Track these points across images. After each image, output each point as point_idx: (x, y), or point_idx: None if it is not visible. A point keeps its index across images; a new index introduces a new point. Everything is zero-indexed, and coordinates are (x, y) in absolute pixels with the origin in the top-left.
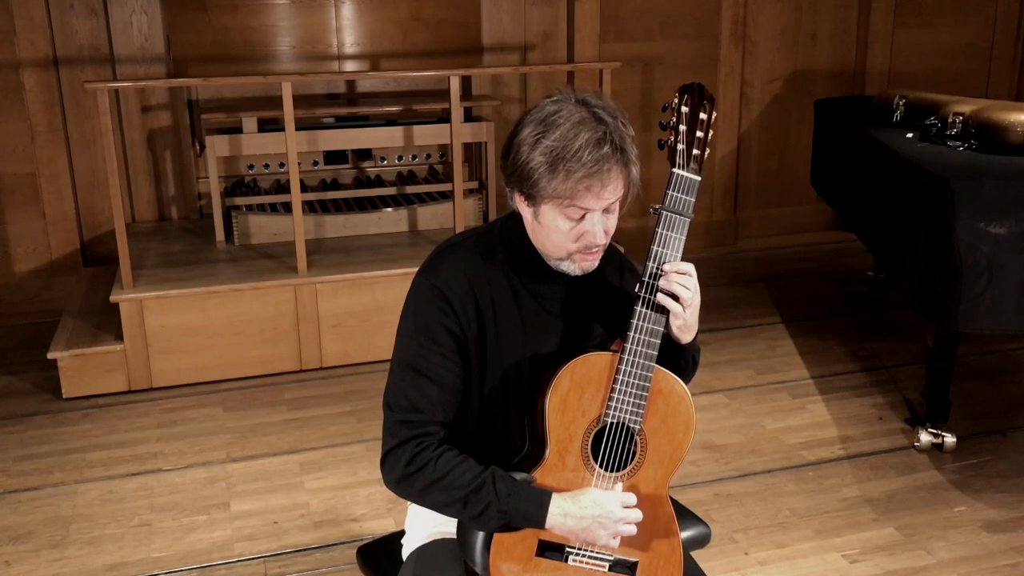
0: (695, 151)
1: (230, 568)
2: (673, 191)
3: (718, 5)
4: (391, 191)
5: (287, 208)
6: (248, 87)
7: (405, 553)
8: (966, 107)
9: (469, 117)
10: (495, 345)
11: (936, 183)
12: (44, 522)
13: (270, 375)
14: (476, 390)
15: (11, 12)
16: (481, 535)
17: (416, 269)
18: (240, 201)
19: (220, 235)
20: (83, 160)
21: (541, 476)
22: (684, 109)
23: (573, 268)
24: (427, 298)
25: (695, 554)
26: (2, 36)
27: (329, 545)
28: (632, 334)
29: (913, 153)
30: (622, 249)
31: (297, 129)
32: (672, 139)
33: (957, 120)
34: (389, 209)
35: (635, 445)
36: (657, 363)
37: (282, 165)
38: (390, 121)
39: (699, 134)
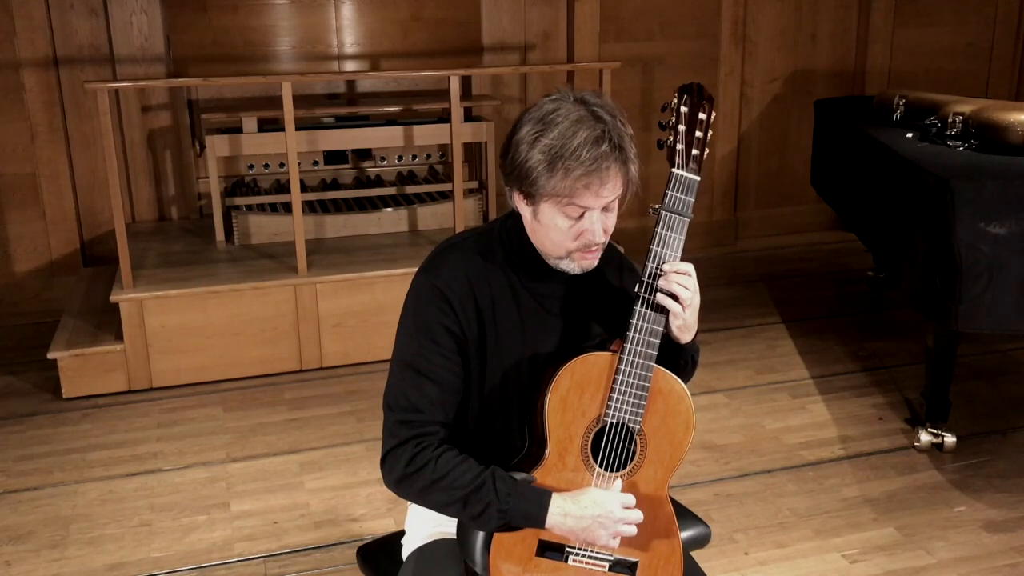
0: (694, 151)
1: (230, 568)
2: (672, 191)
3: (718, 5)
4: (391, 191)
5: (287, 208)
6: (248, 87)
7: (405, 553)
8: (966, 107)
9: (469, 117)
10: (495, 345)
11: (936, 183)
12: (44, 522)
13: (270, 375)
14: (476, 390)
15: (11, 12)
16: (481, 535)
17: (416, 269)
18: (240, 201)
19: (220, 235)
20: (83, 160)
21: (541, 476)
22: (683, 109)
23: (572, 267)
24: (427, 298)
25: (695, 554)
26: (2, 36)
27: (329, 545)
28: (632, 334)
29: (913, 153)
30: (622, 249)
31: (297, 129)
32: (671, 139)
33: (957, 120)
34: (389, 209)
35: (635, 445)
36: (656, 363)
37: (282, 165)
38: (390, 121)
39: (698, 134)
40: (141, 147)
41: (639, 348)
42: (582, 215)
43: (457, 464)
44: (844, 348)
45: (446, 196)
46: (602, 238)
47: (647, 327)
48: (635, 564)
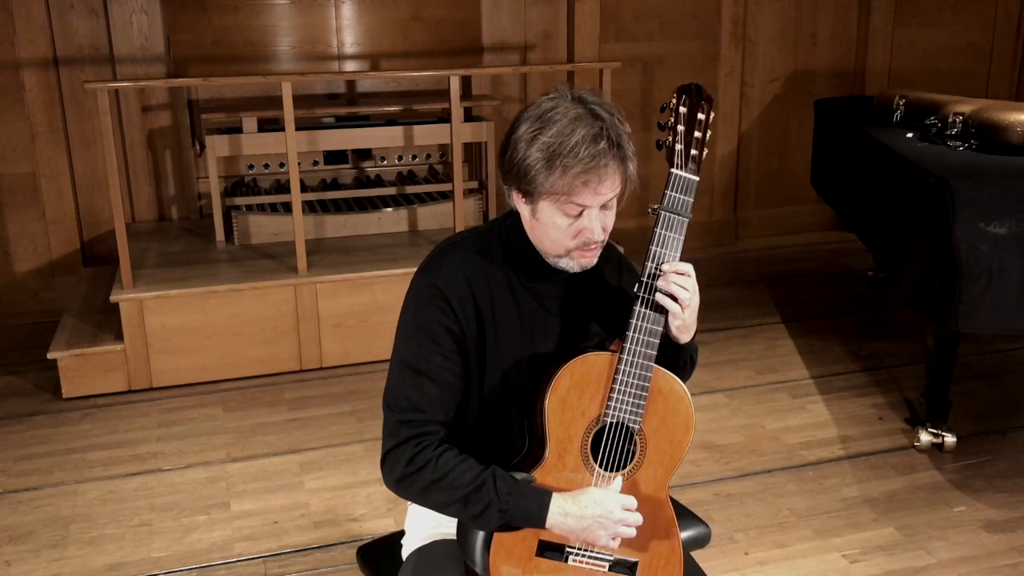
0: (693, 151)
1: (230, 568)
2: (671, 191)
3: (718, 5)
4: (391, 191)
5: (287, 208)
6: (248, 87)
7: (405, 553)
8: (966, 107)
9: (469, 117)
10: (494, 344)
11: (936, 183)
12: (44, 522)
13: (270, 375)
14: (475, 390)
15: (11, 12)
16: (481, 535)
17: (416, 269)
18: (240, 201)
19: (220, 235)
20: (83, 160)
21: (541, 476)
22: (682, 110)
23: (572, 265)
24: (426, 298)
25: (695, 554)
26: (2, 36)
27: (329, 545)
28: (631, 334)
29: (913, 153)
30: (622, 249)
31: (297, 129)
32: (670, 139)
33: (957, 120)
34: (389, 209)
35: (635, 445)
36: (656, 362)
37: (282, 165)
38: (390, 121)
39: (697, 134)
40: (141, 147)
41: (639, 348)
42: (581, 213)
43: (457, 464)
44: (844, 348)
45: (446, 196)
46: (601, 236)
47: (647, 327)
48: (635, 564)
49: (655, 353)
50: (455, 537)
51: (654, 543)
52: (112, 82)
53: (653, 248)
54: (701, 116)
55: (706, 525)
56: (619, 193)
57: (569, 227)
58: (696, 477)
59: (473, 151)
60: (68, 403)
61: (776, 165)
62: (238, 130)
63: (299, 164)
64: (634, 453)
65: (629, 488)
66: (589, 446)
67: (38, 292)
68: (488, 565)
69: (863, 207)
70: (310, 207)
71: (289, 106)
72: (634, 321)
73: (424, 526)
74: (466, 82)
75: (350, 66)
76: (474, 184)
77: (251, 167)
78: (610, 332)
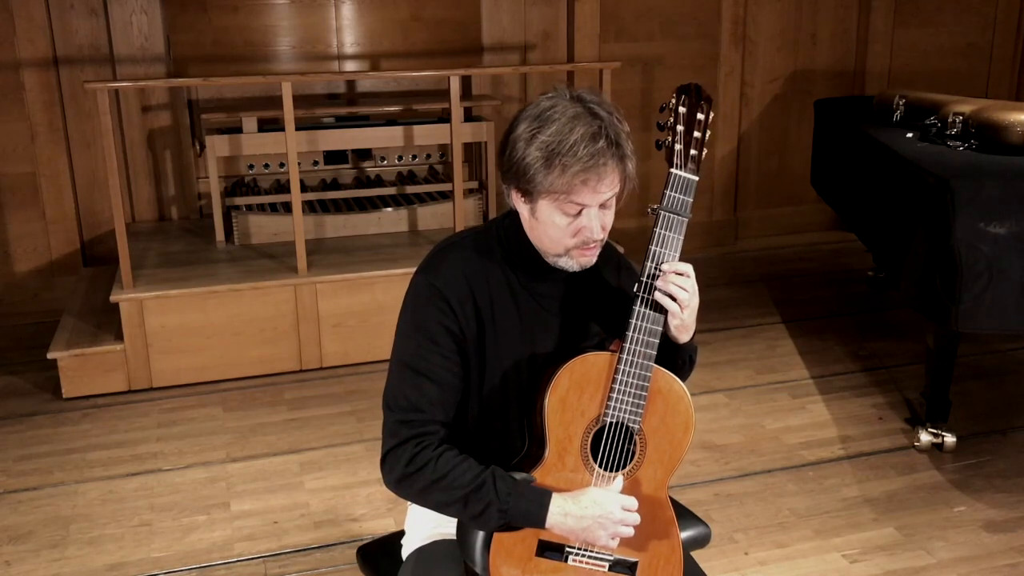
0: (692, 151)
1: (230, 568)
2: (671, 191)
3: (718, 5)
4: (391, 191)
5: (287, 208)
6: (248, 87)
7: (405, 553)
8: (966, 107)
9: (469, 117)
10: (494, 344)
11: (936, 183)
12: (44, 522)
13: (270, 375)
14: (475, 390)
15: (11, 12)
16: (481, 535)
17: (416, 269)
18: (240, 201)
19: (220, 235)
20: (83, 160)
21: (541, 476)
22: (681, 110)
23: (571, 264)
24: (425, 298)
25: (695, 554)
26: (2, 36)
27: (329, 545)
28: (631, 334)
29: (913, 153)
30: (621, 249)
31: (297, 129)
32: (669, 139)
33: (957, 120)
34: (389, 209)
35: (634, 445)
36: (655, 362)
37: (282, 165)
38: (390, 121)
39: (696, 134)
40: (141, 147)
41: (638, 348)
42: (580, 212)
43: (457, 464)
44: (844, 348)
45: (446, 196)
46: (600, 235)
47: (646, 327)
48: (635, 564)
49: (655, 353)
50: (455, 537)
51: (654, 543)
52: (112, 82)
53: (652, 248)
54: (700, 116)
55: (706, 525)
56: (618, 192)
57: (568, 226)
58: (696, 477)
59: (473, 151)
60: (68, 403)
61: (776, 165)
62: (238, 130)
63: (299, 164)
64: (634, 453)
65: (629, 488)
66: (589, 446)
67: (38, 292)
68: (488, 565)
69: (863, 207)
70: (310, 207)
71: (289, 106)
72: (634, 321)
73: (424, 526)
74: (466, 82)
75: (350, 66)
76: (474, 184)
77: (251, 167)
78: (609, 332)
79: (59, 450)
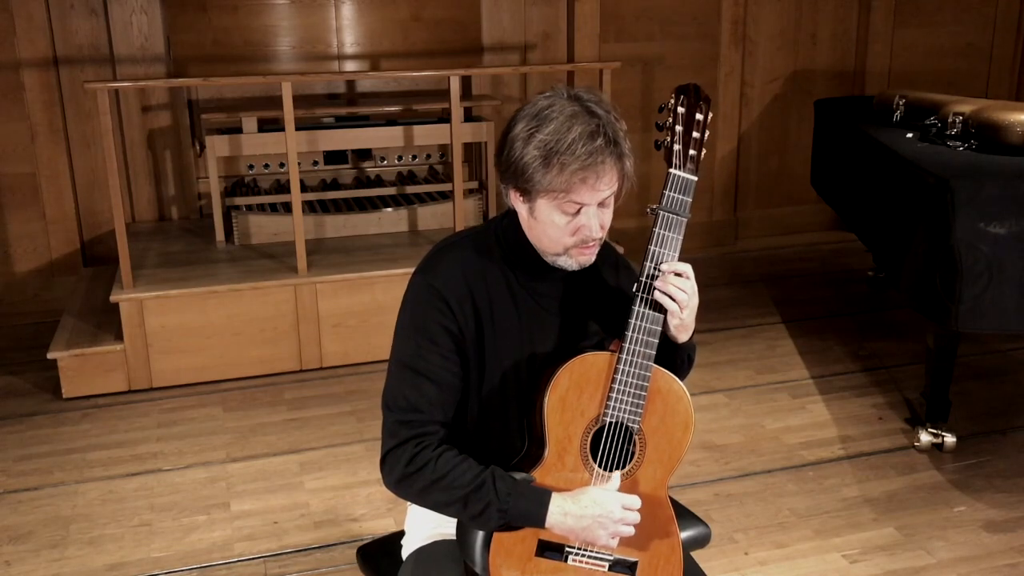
0: (691, 151)
1: (230, 568)
2: (670, 191)
3: (718, 5)
4: (391, 191)
5: (287, 208)
6: (248, 87)
7: (405, 553)
8: (966, 107)
9: (469, 117)
10: (493, 344)
11: (936, 183)
12: (44, 522)
13: (270, 375)
14: (475, 390)
15: (11, 12)
16: (481, 535)
17: (415, 269)
18: (240, 201)
19: (220, 235)
20: (83, 160)
21: (540, 476)
22: (680, 110)
23: (570, 263)
24: (424, 298)
25: (695, 554)
26: (2, 36)
27: (329, 545)
28: (630, 334)
29: (913, 153)
30: (621, 249)
31: (297, 129)
32: (668, 140)
33: (957, 120)
34: (389, 209)
35: (634, 445)
36: (654, 362)
37: (282, 165)
38: (390, 121)
39: (695, 134)
40: (141, 147)
41: (638, 348)
42: (578, 211)
43: (457, 464)
44: (844, 348)
45: (446, 196)
46: (599, 233)
47: (645, 327)
48: (635, 564)
49: (654, 353)
50: (455, 537)
51: (654, 543)
52: (112, 82)
53: (652, 248)
54: (699, 116)
55: (706, 525)
56: (616, 190)
57: (567, 225)
58: (696, 477)
59: (473, 151)
60: (68, 403)
61: (776, 165)
62: (238, 130)
63: (299, 164)
64: (633, 453)
65: (628, 488)
66: (588, 446)
67: (38, 292)
68: (488, 565)
69: (863, 207)
70: (310, 207)
71: (289, 106)
72: (633, 321)
73: (424, 526)
74: (466, 82)
75: (350, 66)
76: (474, 184)
77: (251, 167)
78: (609, 331)
79: (59, 450)
